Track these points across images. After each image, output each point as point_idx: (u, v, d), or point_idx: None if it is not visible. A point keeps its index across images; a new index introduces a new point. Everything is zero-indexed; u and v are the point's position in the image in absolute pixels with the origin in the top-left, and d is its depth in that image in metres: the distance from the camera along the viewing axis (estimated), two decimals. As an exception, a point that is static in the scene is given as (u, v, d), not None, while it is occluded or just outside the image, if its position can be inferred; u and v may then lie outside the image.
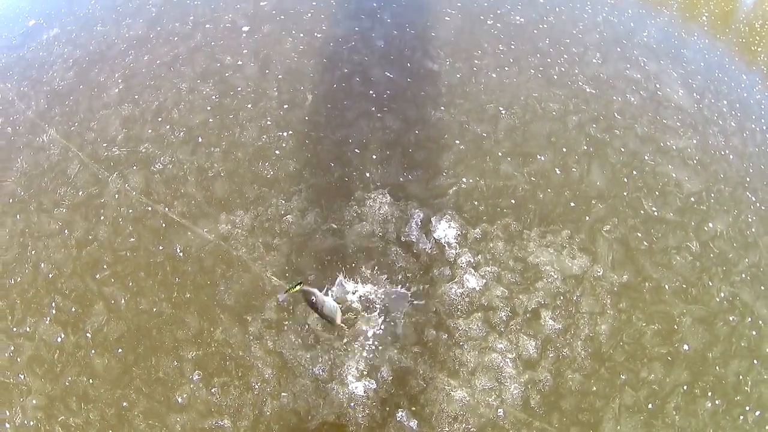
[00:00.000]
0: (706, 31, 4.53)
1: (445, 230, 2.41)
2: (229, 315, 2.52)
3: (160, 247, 2.80)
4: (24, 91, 4.23)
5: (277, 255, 2.63)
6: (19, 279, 2.97)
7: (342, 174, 2.90)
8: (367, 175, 2.84)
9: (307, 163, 3.00)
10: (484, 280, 2.26)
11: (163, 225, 2.90)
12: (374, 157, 2.92)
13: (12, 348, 2.73)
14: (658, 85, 3.57)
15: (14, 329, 2.79)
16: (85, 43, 4.45)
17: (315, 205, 2.81)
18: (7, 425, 2.55)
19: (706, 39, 4.44)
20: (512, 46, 3.63)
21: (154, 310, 2.63)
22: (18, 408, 2.58)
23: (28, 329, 2.76)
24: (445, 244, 2.36)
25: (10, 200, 3.42)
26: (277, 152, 3.10)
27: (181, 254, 2.75)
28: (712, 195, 2.84)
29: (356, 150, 2.99)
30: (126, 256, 2.83)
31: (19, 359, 2.68)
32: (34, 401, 2.55)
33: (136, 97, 3.67)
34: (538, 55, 3.56)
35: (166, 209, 2.98)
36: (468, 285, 2.28)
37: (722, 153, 3.14)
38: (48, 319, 2.77)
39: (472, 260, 2.31)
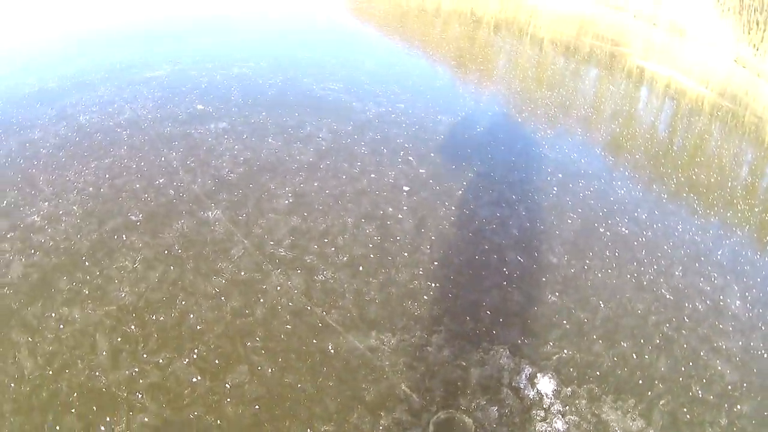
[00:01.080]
0: (768, 249, 6.18)
1: (546, 385, 3.81)
2: (365, 407, 3.44)
3: (314, 341, 3.83)
4: (190, 165, 5.57)
5: (414, 374, 3.72)
6: (161, 318, 3.87)
7: (474, 327, 4.18)
8: (493, 332, 4.16)
9: (448, 311, 4.27)
10: (567, 426, 3.55)
11: (320, 324, 3.96)
12: (501, 320, 4.28)
13: (136, 369, 3.52)
14: (721, 297, 5.03)
15: (144, 356, 3.60)
16: (256, 149, 6.00)
17: (450, 345, 3.98)
18: (102, 428, 3.22)
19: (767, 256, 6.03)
20: (616, 253, 5.32)
21: (298, 386, 3.52)
22: (123, 419, 3.26)
23: (160, 361, 3.58)
24: (544, 395, 3.71)
25: (165, 252, 4.46)
26: (425, 297, 4.35)
27: (331, 351, 3.78)
28: (745, 384, 4.15)
29: (488, 311, 4.34)
30: (280, 338, 3.81)
31: (141, 381, 3.47)
32: (146, 419, 3.26)
33: (305, 214, 5.06)
34: (635, 263, 5.22)
35: (324, 313, 4.06)
36: (555, 426, 3.57)
37: (759, 352, 4.48)
38: (186, 360, 3.60)
39: (561, 410, 3.66)
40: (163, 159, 5.66)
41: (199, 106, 6.79)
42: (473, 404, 3.60)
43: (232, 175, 5.49)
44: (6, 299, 4.03)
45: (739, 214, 6.74)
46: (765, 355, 4.48)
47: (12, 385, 3.47)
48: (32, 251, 4.43)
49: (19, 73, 7.84)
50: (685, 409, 3.89)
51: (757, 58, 15.88)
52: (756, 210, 6.97)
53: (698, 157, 8.47)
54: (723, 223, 6.45)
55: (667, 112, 10.62)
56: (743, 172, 8.52)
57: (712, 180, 7.50)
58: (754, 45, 16.39)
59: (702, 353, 4.40)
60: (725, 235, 6.16)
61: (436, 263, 4.74)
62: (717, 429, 3.81)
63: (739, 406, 4.00)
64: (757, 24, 16.88)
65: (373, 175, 5.79)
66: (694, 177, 7.48)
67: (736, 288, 5.21)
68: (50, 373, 3.54)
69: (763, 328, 4.78)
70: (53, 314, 3.91)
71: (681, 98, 11.42)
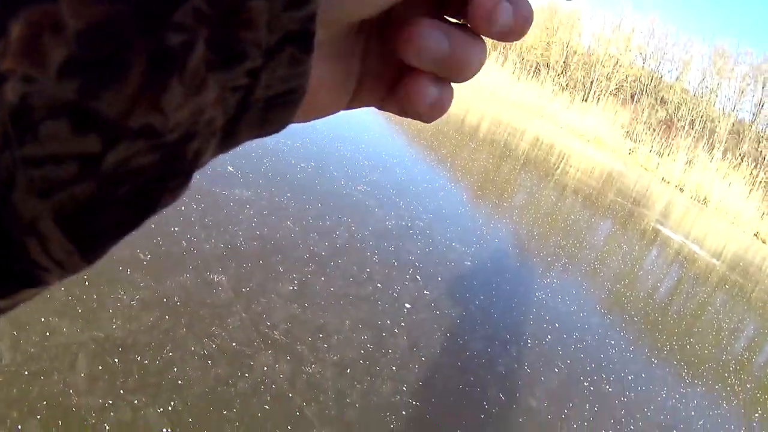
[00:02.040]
0: (752, 429, 6.47)
1: None
2: None
3: (288, 427, 4.04)
4: (207, 223, 5.94)
5: None
6: (146, 361, 4.07)
7: None
8: None
9: None
10: None
11: (297, 414, 4.19)
12: None
13: (110, 401, 3.62)
14: None
15: (120, 391, 3.71)
16: (273, 228, 6.45)
17: None
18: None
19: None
20: (595, 409, 5.62)
21: None
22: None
23: (135, 402, 3.70)
24: None
25: (165, 299, 4.70)
26: (403, 413, 4.58)
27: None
28: None
29: None
30: (257, 416, 4.03)
31: (112, 414, 3.56)
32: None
33: (306, 305, 5.41)
34: (612, 420, 5.53)
35: (303, 404, 4.30)
36: None
37: None
38: (161, 409, 3.74)
39: None
40: (182, 208, 6.01)
41: (230, 168, 7.31)
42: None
43: (245, 246, 5.88)
44: None
45: (728, 388, 7.17)
46: None
47: (-13, 370, 3.69)
48: (33, 256, 4.72)
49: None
50: None
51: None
52: (747, 386, 7.43)
53: (695, 327, 9.05)
54: (709, 394, 6.88)
55: (673, 278, 11.34)
56: (740, 347, 9.06)
57: (706, 351, 8.03)
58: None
59: None
60: (709, 407, 6.55)
61: (420, 383, 5.08)
62: None
63: None
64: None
65: (378, 285, 6.23)
66: (687, 346, 7.98)
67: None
68: (26, 372, 3.69)
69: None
70: (42, 319, 4.11)
71: (690, 266, 12.14)
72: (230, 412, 4.04)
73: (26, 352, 3.83)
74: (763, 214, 18.02)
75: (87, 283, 4.61)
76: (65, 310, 4.28)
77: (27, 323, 4.03)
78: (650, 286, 10.44)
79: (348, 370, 4.89)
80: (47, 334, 4.02)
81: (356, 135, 11.80)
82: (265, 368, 4.53)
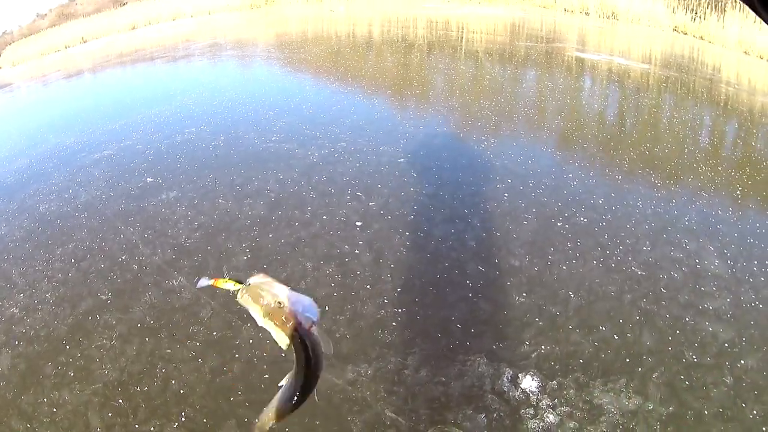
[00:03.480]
0: (740, 204, 6.29)
1: (530, 383, 3.91)
2: (353, 443, 3.65)
3: None
4: (149, 238, 5.75)
5: (396, 398, 3.87)
6: (146, 388, 4.03)
7: (447, 342, 4.34)
8: (467, 344, 4.30)
9: (419, 333, 4.45)
10: (560, 417, 3.62)
11: None
12: (472, 330, 4.44)
13: None
14: (697, 261, 5.09)
15: (136, 426, 3.72)
16: (209, 212, 6.21)
17: (427, 364, 4.14)
18: None
19: (740, 211, 6.10)
20: (578, 243, 5.45)
21: (286, 430, 3.54)
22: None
23: (152, 429, 3.69)
24: (530, 393, 3.84)
25: (139, 325, 4.63)
26: (393, 324, 4.55)
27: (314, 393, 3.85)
28: (744, 339, 4.15)
29: (458, 325, 4.50)
30: (261, 388, 3.95)
31: None
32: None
33: (265, 266, 5.24)
34: (599, 248, 5.34)
35: None
36: (547, 420, 3.64)
37: (752, 305, 4.48)
38: (176, 424, 3.73)
39: (550, 403, 3.79)
40: (122, 236, 5.84)
41: (149, 179, 7.03)
42: (460, 416, 3.74)
43: (189, 241, 5.70)
44: (0, 390, 4.21)
45: (702, 177, 6.98)
46: (760, 306, 4.51)
47: (15, 472, 3.62)
48: (16, 342, 4.62)
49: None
50: (682, 377, 3.91)
51: (697, 22, 16.28)
52: (720, 168, 7.28)
53: (649, 132, 8.79)
54: (686, 189, 6.70)
55: (612, 96, 11.05)
56: (701, 136, 8.88)
57: (667, 151, 7.83)
58: (692, 9, 16.81)
59: (687, 319, 4.44)
60: (690, 201, 6.36)
61: (399, 290, 4.96)
62: (723, 388, 3.81)
63: (742, 362, 4.01)
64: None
65: (324, 217, 6.03)
66: (647, 152, 7.73)
67: (712, 248, 5.32)
68: (48, 458, 3.70)
69: (750, 279, 4.85)
70: (45, 399, 4.07)
71: (624, 80, 11.86)
72: (236, 396, 3.97)
73: (41, 437, 3.95)
74: (674, 8, 17.62)
75: (68, 346, 4.51)
76: (59, 381, 4.22)
77: (33, 411, 4.00)
78: (593, 111, 10.09)
79: (326, 308, 4.74)
80: (54, 410, 3.99)
81: (254, 91, 11.40)
82: (251, 341, 4.41)
